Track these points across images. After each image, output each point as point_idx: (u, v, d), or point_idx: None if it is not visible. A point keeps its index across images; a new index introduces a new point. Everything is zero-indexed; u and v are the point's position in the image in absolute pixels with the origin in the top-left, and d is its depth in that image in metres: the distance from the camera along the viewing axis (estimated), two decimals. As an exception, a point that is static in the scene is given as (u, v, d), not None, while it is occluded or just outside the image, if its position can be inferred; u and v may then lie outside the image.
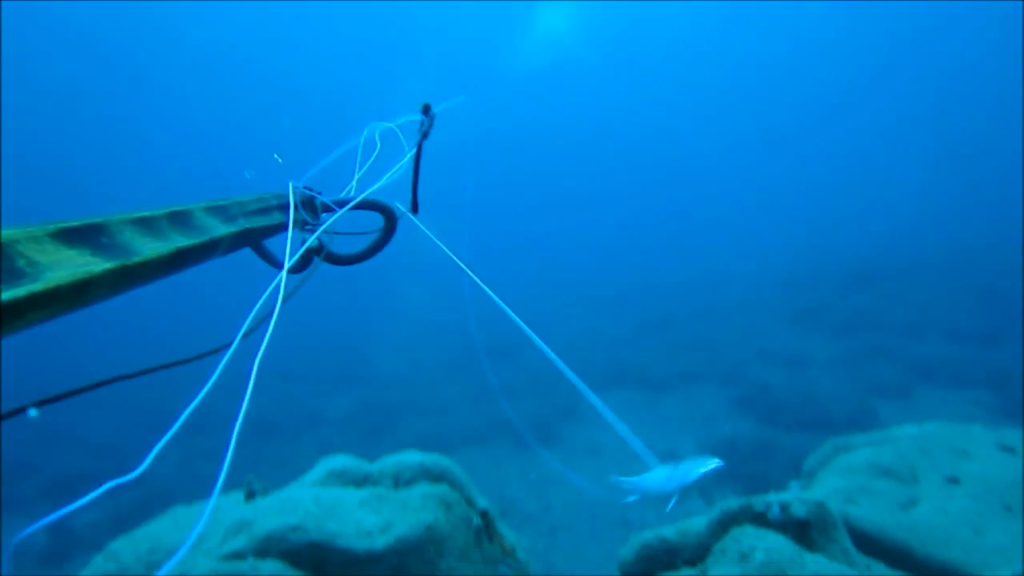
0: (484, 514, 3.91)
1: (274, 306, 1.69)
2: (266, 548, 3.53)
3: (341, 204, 2.57)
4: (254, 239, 1.94)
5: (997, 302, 19.55)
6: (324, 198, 2.54)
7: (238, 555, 3.55)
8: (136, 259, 1.27)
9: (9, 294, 0.94)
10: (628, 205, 61.35)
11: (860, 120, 60.46)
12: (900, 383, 15.16)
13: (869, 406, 14.53)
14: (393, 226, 2.82)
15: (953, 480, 5.53)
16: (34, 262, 1.05)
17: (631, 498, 2.44)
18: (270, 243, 2.29)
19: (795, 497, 3.39)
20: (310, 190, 2.51)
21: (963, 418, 13.88)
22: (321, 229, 2.27)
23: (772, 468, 11.79)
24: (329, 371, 23.75)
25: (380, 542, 3.49)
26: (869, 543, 4.80)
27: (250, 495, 4.11)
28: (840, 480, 5.30)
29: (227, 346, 1.51)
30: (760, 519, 3.34)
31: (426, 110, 2.45)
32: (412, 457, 4.14)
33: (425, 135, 2.47)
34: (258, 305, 1.67)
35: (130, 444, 12.88)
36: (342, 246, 2.71)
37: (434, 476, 3.99)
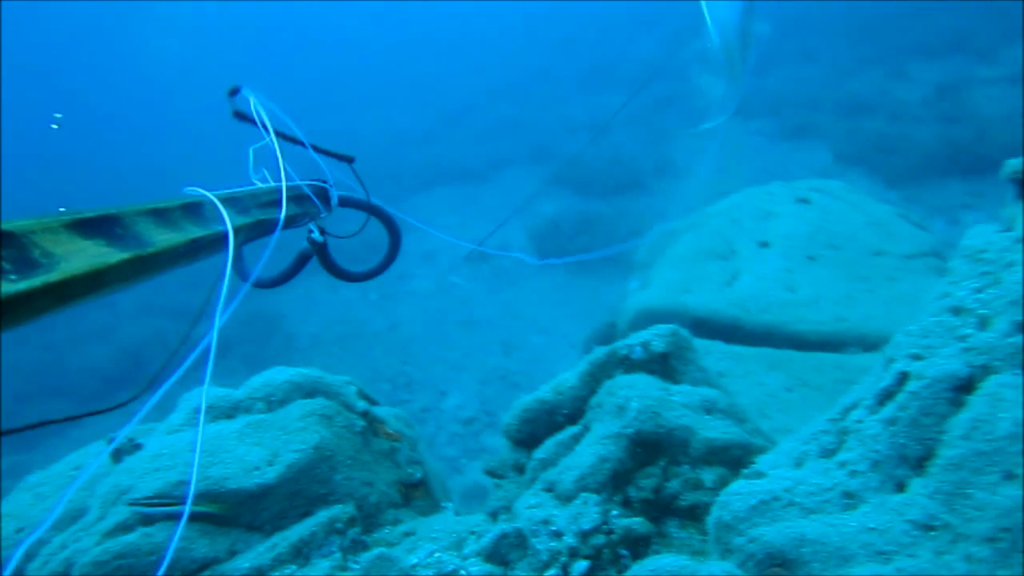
0: (365, 414, 3.89)
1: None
2: (152, 514, 3.36)
3: (352, 199, 2.66)
4: (267, 230, 1.96)
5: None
6: (339, 191, 2.53)
7: (124, 527, 3.37)
8: (150, 249, 1.30)
9: (25, 284, 0.97)
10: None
11: None
12: (690, 130, 16.05)
13: (668, 155, 15.52)
14: (397, 243, 2.94)
15: (764, 244, 6.13)
16: (49, 253, 1.06)
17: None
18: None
19: (652, 335, 3.61)
20: (324, 183, 2.49)
21: (752, 146, 15.27)
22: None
23: (596, 239, 12.51)
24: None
25: (271, 474, 3.41)
26: (709, 326, 5.33)
27: (117, 454, 3.82)
28: (673, 271, 5.73)
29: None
30: (626, 362, 3.56)
31: (234, 92, 2.15)
32: (279, 375, 3.96)
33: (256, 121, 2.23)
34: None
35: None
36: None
37: (307, 391, 3.86)
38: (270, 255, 2.05)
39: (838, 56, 17.68)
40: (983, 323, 2.26)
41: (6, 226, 1.03)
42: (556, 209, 14.74)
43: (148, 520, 3.38)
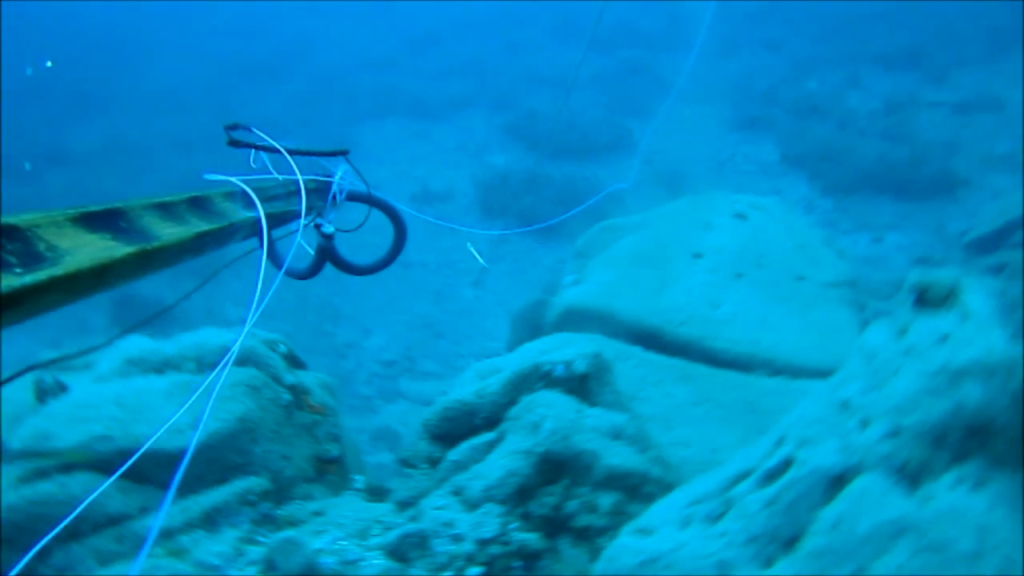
0: (292, 388, 4.00)
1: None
2: (71, 463, 3.43)
3: (359, 194, 2.64)
4: (274, 224, 1.97)
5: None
6: (345, 184, 2.54)
7: (41, 473, 3.43)
8: (156, 243, 1.31)
9: (30, 278, 0.97)
10: None
11: None
12: (651, 104, 16.12)
13: (625, 128, 15.61)
14: (402, 239, 2.91)
15: (697, 255, 6.39)
16: (54, 246, 1.07)
17: None
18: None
19: (576, 354, 3.81)
20: (329, 177, 2.49)
21: (703, 133, 15.49)
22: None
23: (541, 203, 12.61)
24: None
25: (193, 439, 3.50)
26: (633, 332, 5.57)
27: (41, 394, 3.82)
28: (607, 273, 5.93)
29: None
30: (548, 378, 3.76)
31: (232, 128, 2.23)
32: (214, 338, 4.00)
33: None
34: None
35: None
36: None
37: (240, 359, 3.92)
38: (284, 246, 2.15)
39: (800, 50, 17.94)
40: (864, 423, 2.53)
41: (11, 220, 1.04)
42: (507, 162, 14.73)
43: (67, 469, 3.45)
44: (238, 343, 1.83)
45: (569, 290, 5.95)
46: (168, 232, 1.39)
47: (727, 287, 6.11)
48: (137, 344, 3.95)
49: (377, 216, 3.02)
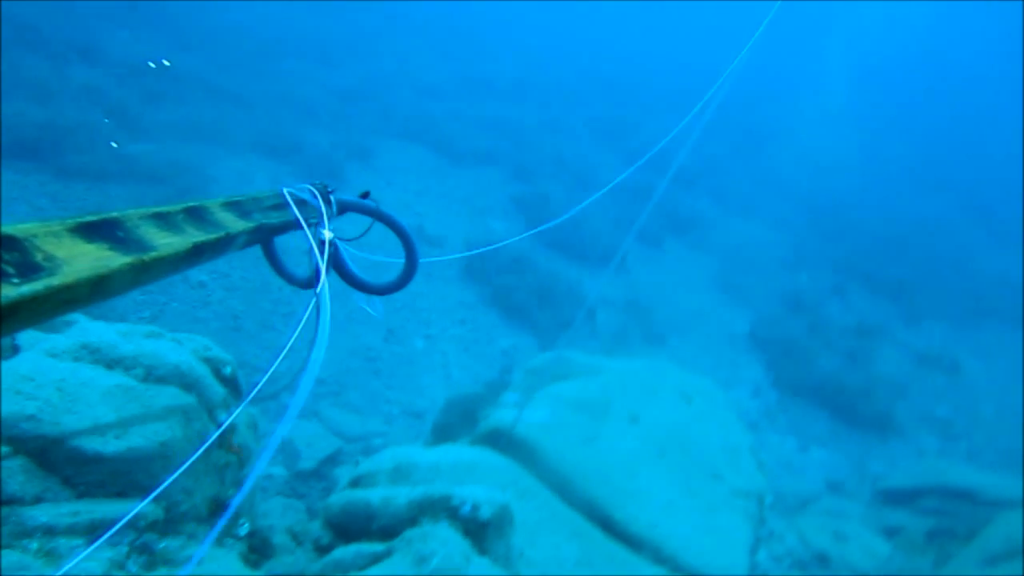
0: (221, 426, 4.11)
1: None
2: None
3: (355, 204, 2.63)
4: (269, 234, 2.02)
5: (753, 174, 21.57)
6: (341, 195, 2.52)
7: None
8: (153, 254, 1.31)
9: (28, 288, 0.97)
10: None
11: None
12: (657, 233, 16.69)
13: (622, 247, 16.06)
14: (414, 262, 2.85)
15: (634, 419, 6.67)
16: (52, 256, 1.07)
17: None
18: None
19: (486, 499, 4.00)
20: (327, 187, 2.49)
21: (689, 279, 16.00)
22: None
23: (519, 288, 12.91)
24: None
25: (111, 447, 3.59)
26: (554, 475, 5.79)
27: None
28: (547, 411, 6.18)
29: None
30: (454, 512, 3.94)
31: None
32: (172, 355, 4.09)
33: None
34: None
35: None
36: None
37: (187, 383, 4.02)
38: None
39: (808, 240, 18.74)
40: None
41: (9, 230, 1.04)
42: (504, 232, 15.06)
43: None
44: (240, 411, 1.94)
45: (508, 410, 6.17)
46: (165, 242, 1.39)
47: (649, 462, 6.38)
48: (98, 332, 4.05)
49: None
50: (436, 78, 21.99)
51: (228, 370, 4.61)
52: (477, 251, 12.20)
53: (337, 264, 2.67)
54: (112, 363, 3.97)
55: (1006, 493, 8.70)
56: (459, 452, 5.38)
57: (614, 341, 11.85)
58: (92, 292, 1.12)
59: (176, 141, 12.79)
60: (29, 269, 1.01)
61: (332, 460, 9.32)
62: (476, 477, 5.17)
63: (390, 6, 27.35)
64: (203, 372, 4.15)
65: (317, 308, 2.01)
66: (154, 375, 4.01)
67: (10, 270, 0.98)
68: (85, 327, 4.07)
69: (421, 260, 3.00)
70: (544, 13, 39.00)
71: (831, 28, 44.42)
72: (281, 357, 1.93)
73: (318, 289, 2.01)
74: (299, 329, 2.02)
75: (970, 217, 22.96)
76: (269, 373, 1.92)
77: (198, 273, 11.36)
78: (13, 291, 0.95)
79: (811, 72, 37.47)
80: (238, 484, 4.23)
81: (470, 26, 30.88)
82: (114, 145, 11.73)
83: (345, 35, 23.93)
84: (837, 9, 44.20)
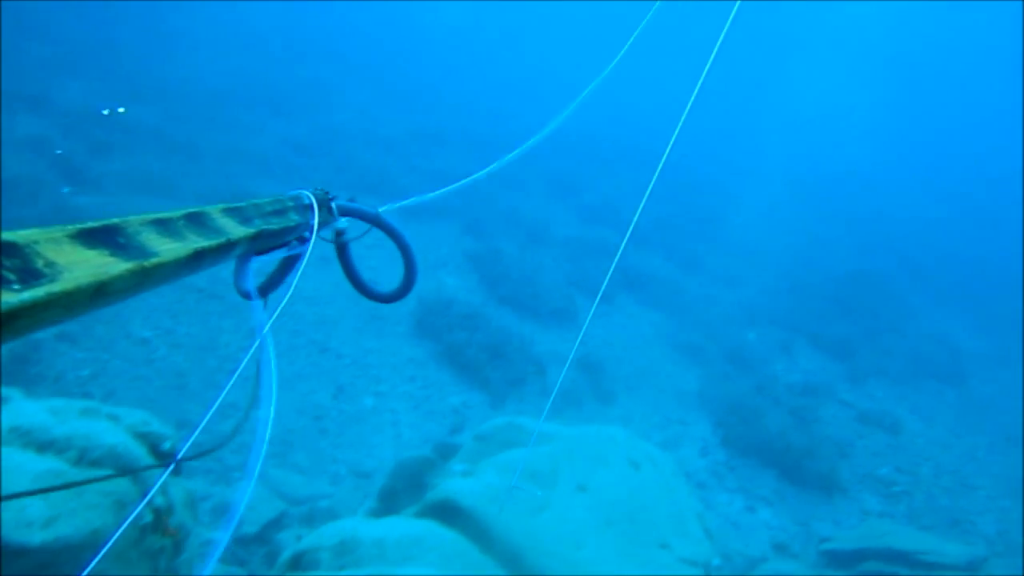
0: (156, 510, 3.99)
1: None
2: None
3: (353, 209, 2.53)
4: (270, 239, 1.99)
5: (705, 232, 22.15)
6: (341, 201, 2.48)
7: None
8: (154, 260, 1.32)
9: (29, 294, 0.98)
10: None
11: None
12: (609, 290, 16.88)
13: (573, 304, 16.24)
14: (413, 271, 2.76)
15: (582, 488, 6.66)
16: (52, 263, 1.08)
17: None
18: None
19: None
20: (327, 193, 2.45)
21: (641, 335, 16.20)
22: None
23: (470, 345, 12.90)
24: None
25: (38, 537, 3.46)
26: (498, 543, 5.73)
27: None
28: (495, 477, 6.15)
29: None
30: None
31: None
32: (108, 436, 3.99)
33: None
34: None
35: None
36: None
37: (121, 465, 3.92)
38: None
39: (757, 298, 19.18)
40: None
41: (9, 236, 1.06)
42: (456, 288, 15.10)
43: None
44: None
45: (455, 481, 6.11)
46: (166, 248, 1.41)
47: (596, 531, 6.37)
48: (30, 413, 3.93)
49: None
50: (390, 131, 22.20)
51: (167, 445, 4.50)
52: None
53: (346, 265, 2.64)
54: (44, 446, 3.85)
55: (944, 559, 8.88)
56: (405, 526, 5.30)
57: (564, 400, 11.86)
58: (93, 298, 1.14)
59: (124, 193, 12.59)
60: (30, 275, 1.03)
61: (276, 524, 9.07)
62: (423, 551, 5.09)
63: (343, 58, 27.73)
64: (139, 453, 4.04)
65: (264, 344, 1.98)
66: (87, 458, 3.89)
67: (11, 277, 0.99)
68: (18, 407, 3.95)
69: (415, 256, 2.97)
70: (500, 70, 39.94)
71: (769, 93, 46.38)
72: (209, 415, 1.87)
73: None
74: (235, 377, 1.96)
75: (910, 276, 23.81)
76: (195, 435, 1.85)
77: (141, 329, 11.13)
78: (14, 298, 0.96)
79: (757, 129, 38.91)
80: (172, 570, 4.10)
81: (426, 80, 31.43)
82: (66, 191, 11.53)
83: (297, 86, 24.10)
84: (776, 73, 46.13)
